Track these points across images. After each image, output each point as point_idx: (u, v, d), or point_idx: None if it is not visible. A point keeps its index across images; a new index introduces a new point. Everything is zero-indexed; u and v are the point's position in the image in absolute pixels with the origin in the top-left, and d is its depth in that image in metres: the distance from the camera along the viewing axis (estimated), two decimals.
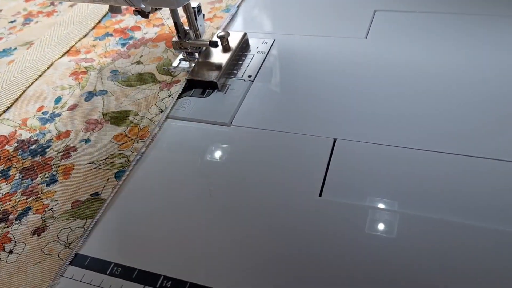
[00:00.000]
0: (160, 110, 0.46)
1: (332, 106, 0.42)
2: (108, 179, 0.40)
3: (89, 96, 0.50)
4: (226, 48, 0.49)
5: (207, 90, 0.47)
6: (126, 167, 0.41)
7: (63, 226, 0.38)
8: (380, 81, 0.44)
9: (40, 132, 0.47)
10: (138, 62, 0.53)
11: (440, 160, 0.36)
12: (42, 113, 0.49)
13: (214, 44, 0.47)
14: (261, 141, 0.41)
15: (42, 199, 0.41)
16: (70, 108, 0.49)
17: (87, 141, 0.45)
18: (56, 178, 0.42)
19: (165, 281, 0.32)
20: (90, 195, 0.39)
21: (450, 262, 0.30)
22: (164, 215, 0.37)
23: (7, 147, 0.46)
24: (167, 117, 0.45)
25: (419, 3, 0.52)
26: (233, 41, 0.50)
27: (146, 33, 0.58)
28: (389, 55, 0.47)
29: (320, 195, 0.35)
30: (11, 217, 0.40)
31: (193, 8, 0.46)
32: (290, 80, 0.47)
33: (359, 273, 0.31)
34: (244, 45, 0.51)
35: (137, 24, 0.61)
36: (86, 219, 0.38)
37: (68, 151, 0.44)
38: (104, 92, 0.50)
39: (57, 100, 0.51)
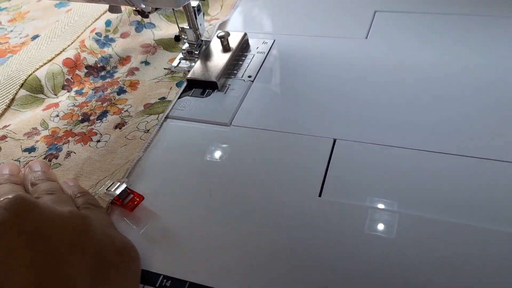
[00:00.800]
0: (208, 35, 0.53)
1: (332, 107, 0.43)
2: (171, 88, 0.48)
3: (139, 27, 0.55)
4: (226, 48, 0.49)
5: (207, 90, 0.47)
6: (184, 79, 0.48)
7: (140, 120, 0.45)
8: (380, 81, 0.44)
9: (103, 57, 0.53)
10: None
11: (441, 161, 0.36)
12: (96, 33, 0.55)
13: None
14: (261, 141, 0.41)
15: (116, 104, 0.48)
16: (123, 36, 0.54)
17: (146, 62, 0.52)
18: (124, 89, 0.50)
19: (165, 281, 0.32)
20: (158, 99, 0.47)
21: (451, 263, 0.30)
22: (163, 214, 0.37)
23: (77, 72, 0.52)
24: (166, 117, 0.45)
25: (419, 4, 0.52)
26: (233, 41, 0.50)
27: None
28: (389, 55, 0.47)
29: (319, 195, 0.35)
30: (92, 117, 0.47)
31: (193, 7, 0.46)
32: (290, 80, 0.47)
33: (358, 273, 0.31)
34: (244, 45, 0.51)
35: None
36: (158, 113, 0.45)
37: (132, 71, 0.52)
38: (151, 25, 0.55)
39: (107, 23, 0.55)
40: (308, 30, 0.53)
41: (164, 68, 0.51)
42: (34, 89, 0.50)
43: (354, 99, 0.43)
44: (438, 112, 0.40)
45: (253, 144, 0.41)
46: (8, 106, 0.49)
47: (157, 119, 0.44)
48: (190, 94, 0.47)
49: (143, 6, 0.42)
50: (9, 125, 0.47)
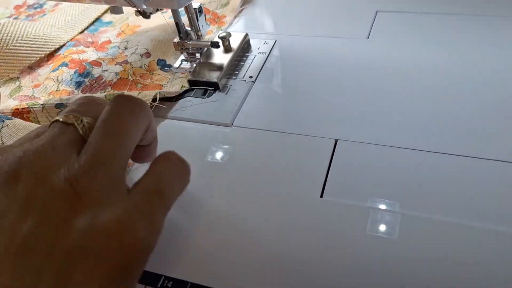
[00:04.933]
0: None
1: (334, 107, 0.42)
2: None
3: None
4: (227, 49, 0.49)
5: (208, 91, 0.47)
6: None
7: None
8: (381, 81, 0.44)
9: None
10: None
11: (443, 161, 0.36)
12: None
13: (215, 45, 0.47)
14: (262, 141, 0.41)
15: None
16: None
17: None
18: None
19: (166, 281, 0.32)
20: None
21: (453, 263, 0.30)
22: None
23: None
24: (168, 118, 0.45)
25: (421, 3, 0.52)
26: (235, 41, 0.50)
27: (106, 70, 0.50)
28: (391, 56, 0.47)
29: (321, 196, 0.35)
30: None
31: (195, 9, 0.46)
32: (291, 80, 0.47)
33: (360, 273, 0.30)
34: (245, 46, 0.51)
35: (99, 60, 0.52)
36: None
37: None
38: None
39: None
40: (309, 30, 0.53)
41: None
42: None
43: (355, 99, 0.43)
44: (440, 113, 0.40)
45: (255, 145, 0.41)
46: None
47: None
48: (192, 95, 0.47)
49: (145, 7, 0.42)
50: None
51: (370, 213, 0.34)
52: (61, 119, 0.27)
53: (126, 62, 0.51)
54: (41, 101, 0.45)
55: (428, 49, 0.46)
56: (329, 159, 0.38)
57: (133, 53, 0.52)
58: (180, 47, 0.49)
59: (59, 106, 0.44)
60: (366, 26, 0.51)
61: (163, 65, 0.51)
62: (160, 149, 0.42)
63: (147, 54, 0.51)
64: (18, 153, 0.25)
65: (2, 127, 0.41)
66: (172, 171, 0.30)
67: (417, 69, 0.44)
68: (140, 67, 0.50)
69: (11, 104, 0.47)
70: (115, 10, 0.46)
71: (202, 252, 0.34)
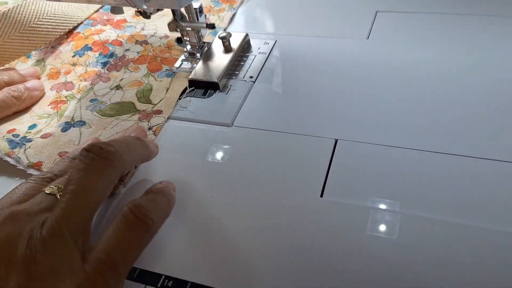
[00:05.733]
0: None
1: (334, 107, 0.43)
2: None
3: (66, 126, 0.46)
4: (227, 49, 0.49)
5: (209, 91, 0.47)
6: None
7: None
8: (381, 82, 0.44)
9: None
10: (118, 87, 0.50)
11: (443, 161, 0.36)
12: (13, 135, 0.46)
13: (211, 26, 0.47)
14: (263, 141, 0.41)
15: None
16: (44, 136, 0.45)
17: None
18: None
19: (167, 281, 0.32)
20: None
21: (453, 263, 0.30)
22: None
23: None
24: (168, 118, 0.45)
25: (421, 3, 0.52)
26: (235, 42, 0.50)
27: (128, 49, 0.55)
28: (391, 56, 0.47)
29: (321, 196, 0.35)
30: None
31: (195, 9, 0.46)
32: (292, 80, 0.47)
33: (360, 273, 0.31)
34: (245, 46, 0.51)
35: (119, 39, 0.56)
36: None
37: None
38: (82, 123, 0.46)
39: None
40: (309, 30, 0.53)
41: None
42: None
43: (355, 99, 0.43)
44: (440, 112, 0.40)
45: (255, 145, 0.41)
46: None
47: None
48: (192, 95, 0.47)
49: (145, 7, 0.42)
50: None
51: (370, 213, 0.34)
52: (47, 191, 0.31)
53: (146, 42, 0.55)
54: (78, 96, 0.50)
55: (428, 49, 0.46)
56: (329, 159, 0.38)
57: (152, 35, 0.56)
58: (174, 29, 0.49)
59: (93, 101, 0.49)
60: (366, 26, 0.51)
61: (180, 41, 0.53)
62: (161, 148, 0.42)
63: (166, 36, 0.55)
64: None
65: (25, 149, 0.43)
66: (128, 235, 0.30)
67: (417, 69, 0.45)
68: (159, 45, 0.54)
69: (50, 95, 0.51)
70: (116, 10, 0.46)
71: (202, 252, 0.34)
